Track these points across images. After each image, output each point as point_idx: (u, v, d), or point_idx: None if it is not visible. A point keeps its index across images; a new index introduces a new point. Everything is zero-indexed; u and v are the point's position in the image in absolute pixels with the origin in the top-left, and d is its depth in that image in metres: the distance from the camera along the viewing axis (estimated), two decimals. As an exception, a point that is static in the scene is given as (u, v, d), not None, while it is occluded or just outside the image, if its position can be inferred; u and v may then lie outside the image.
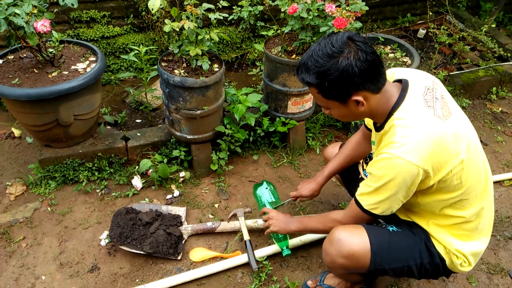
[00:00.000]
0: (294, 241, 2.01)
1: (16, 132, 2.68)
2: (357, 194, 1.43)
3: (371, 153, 1.87)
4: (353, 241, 1.42)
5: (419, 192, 1.35)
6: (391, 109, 1.33)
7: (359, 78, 1.24)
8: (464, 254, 1.43)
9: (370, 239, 1.42)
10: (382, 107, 1.34)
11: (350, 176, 1.91)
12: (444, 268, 1.47)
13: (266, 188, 2.16)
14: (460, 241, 1.43)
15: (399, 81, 1.39)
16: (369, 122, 1.68)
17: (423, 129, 1.26)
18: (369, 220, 1.47)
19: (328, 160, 1.98)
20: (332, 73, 1.24)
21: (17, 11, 1.90)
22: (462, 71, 3.37)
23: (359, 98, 1.28)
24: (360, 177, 1.84)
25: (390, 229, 1.49)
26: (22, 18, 1.91)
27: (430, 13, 3.43)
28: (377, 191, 1.33)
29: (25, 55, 2.33)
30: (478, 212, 1.40)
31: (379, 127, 1.40)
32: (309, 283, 1.87)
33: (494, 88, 3.35)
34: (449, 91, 1.69)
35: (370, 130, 1.70)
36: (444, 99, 1.37)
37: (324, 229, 1.59)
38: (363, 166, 1.86)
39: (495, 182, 2.50)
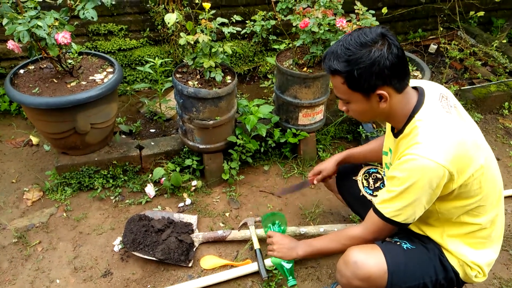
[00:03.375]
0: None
1: (34, 140, 2.76)
2: (376, 202, 1.38)
3: (369, 169, 1.87)
4: (370, 263, 1.36)
5: (438, 199, 1.32)
6: (412, 112, 1.33)
7: (389, 72, 1.24)
8: (479, 265, 1.42)
9: (386, 260, 1.37)
10: (402, 108, 1.34)
11: (351, 195, 1.90)
12: (457, 280, 1.46)
13: (277, 220, 2.05)
14: (474, 251, 1.42)
15: (415, 88, 1.41)
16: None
17: (446, 131, 1.26)
18: (392, 231, 1.41)
19: (330, 189, 2.11)
20: (364, 62, 1.23)
21: (40, 23, 1.97)
22: (474, 86, 3.37)
23: (384, 92, 1.27)
24: (361, 194, 1.83)
25: (405, 246, 1.45)
26: (44, 30, 1.98)
27: (441, 29, 3.46)
28: (400, 196, 1.29)
29: (45, 65, 2.42)
30: (493, 219, 1.40)
31: (397, 133, 1.39)
32: (318, 293, 1.87)
33: (506, 103, 3.35)
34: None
35: None
36: (457, 108, 1.38)
37: (341, 249, 1.48)
38: (363, 183, 1.85)
39: (506, 197, 2.49)
